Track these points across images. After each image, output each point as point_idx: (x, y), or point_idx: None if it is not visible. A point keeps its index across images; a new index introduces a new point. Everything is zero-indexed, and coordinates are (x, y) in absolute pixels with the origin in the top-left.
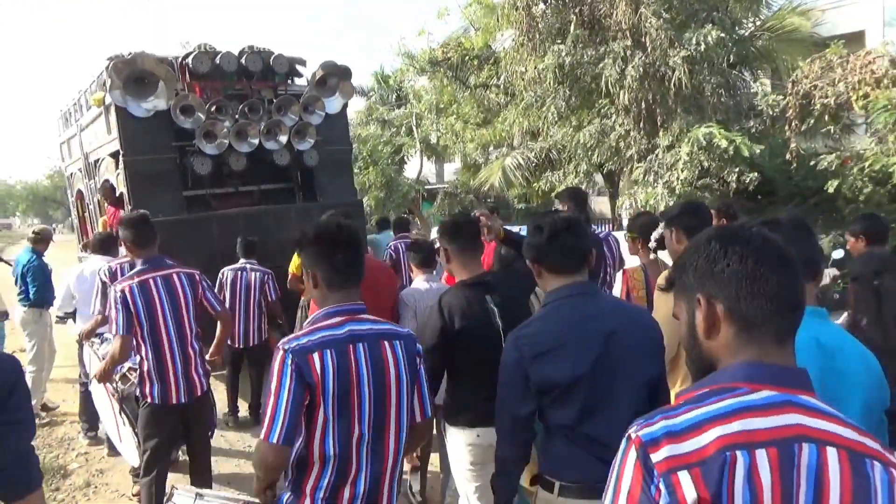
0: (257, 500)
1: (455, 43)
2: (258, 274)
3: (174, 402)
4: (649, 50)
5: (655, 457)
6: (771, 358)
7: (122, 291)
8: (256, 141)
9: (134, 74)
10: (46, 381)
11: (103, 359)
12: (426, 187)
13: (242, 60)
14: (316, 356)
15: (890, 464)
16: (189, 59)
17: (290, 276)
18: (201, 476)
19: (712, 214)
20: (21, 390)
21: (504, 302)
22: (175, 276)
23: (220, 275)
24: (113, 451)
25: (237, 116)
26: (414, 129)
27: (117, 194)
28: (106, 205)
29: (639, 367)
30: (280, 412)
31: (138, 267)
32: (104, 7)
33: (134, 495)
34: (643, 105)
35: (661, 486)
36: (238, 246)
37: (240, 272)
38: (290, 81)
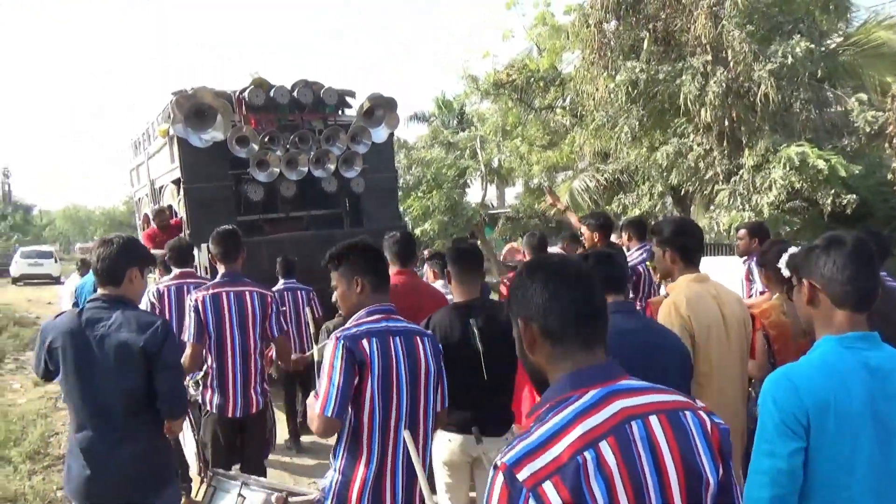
0: (301, 489)
1: (520, 64)
2: (302, 293)
3: (230, 415)
4: (731, 64)
5: (521, 475)
6: (585, 363)
7: (196, 301)
8: (306, 169)
9: (194, 108)
10: None
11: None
12: (489, 212)
13: (294, 93)
14: (364, 341)
15: (696, 409)
16: (245, 93)
17: None
18: None
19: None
20: (171, 343)
21: (488, 325)
22: (247, 294)
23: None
24: None
25: (288, 146)
26: (478, 151)
27: (175, 219)
28: (152, 224)
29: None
30: (334, 389)
31: (216, 280)
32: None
33: None
34: (725, 123)
35: (530, 500)
36: (278, 266)
37: (285, 293)
38: (339, 112)
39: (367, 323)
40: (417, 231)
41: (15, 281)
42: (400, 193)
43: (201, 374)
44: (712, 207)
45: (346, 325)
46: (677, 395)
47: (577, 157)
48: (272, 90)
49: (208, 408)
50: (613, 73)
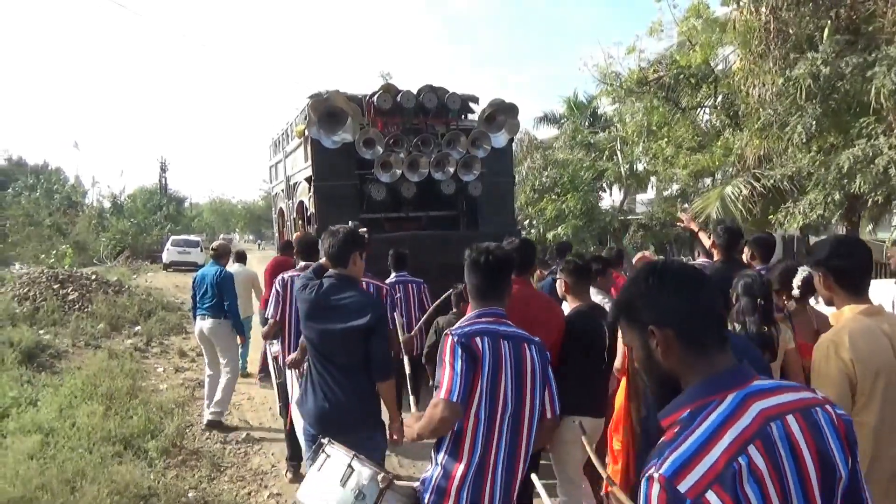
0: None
1: (668, 60)
2: (413, 285)
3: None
4: None
5: (682, 487)
6: (720, 365)
7: (282, 279)
8: (426, 171)
9: (327, 111)
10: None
11: (275, 357)
12: (620, 218)
13: (420, 98)
14: (477, 339)
15: (823, 403)
16: (374, 98)
17: None
18: None
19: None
20: (384, 320)
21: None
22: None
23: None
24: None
25: (411, 149)
26: (618, 153)
27: (308, 214)
28: (300, 223)
29: None
30: (457, 376)
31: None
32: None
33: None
34: None
35: None
36: (390, 259)
37: (398, 285)
38: (462, 117)
39: (478, 323)
40: (550, 235)
41: (166, 267)
42: (535, 195)
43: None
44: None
45: (458, 324)
46: (805, 392)
47: (735, 160)
48: (399, 95)
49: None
50: (784, 67)
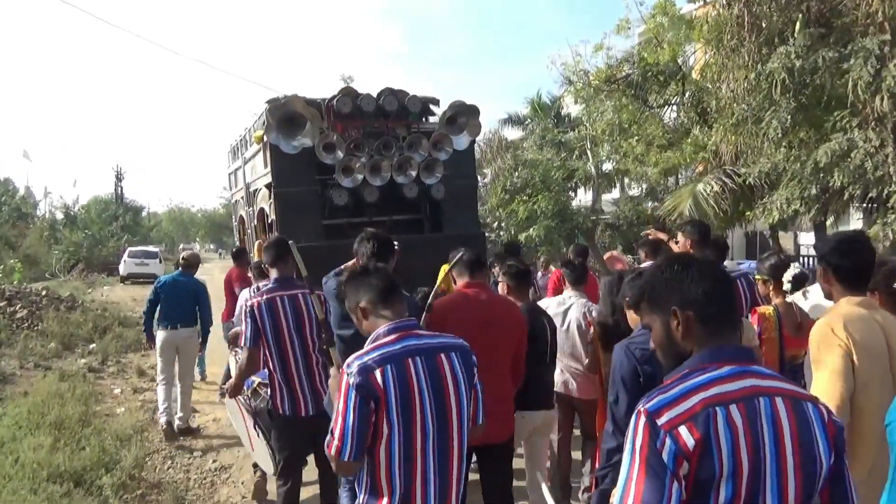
0: None
1: (637, 58)
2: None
3: (302, 413)
4: None
5: (660, 420)
6: (729, 342)
7: (251, 307)
8: (388, 175)
9: (286, 115)
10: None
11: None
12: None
13: (380, 101)
14: (378, 373)
15: (819, 403)
16: (334, 101)
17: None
18: (330, 488)
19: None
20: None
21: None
22: (300, 297)
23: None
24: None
25: (372, 153)
26: (588, 152)
27: (269, 221)
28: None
29: None
30: (349, 430)
31: (269, 285)
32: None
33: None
34: None
35: (667, 440)
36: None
37: None
38: (423, 120)
39: (383, 346)
40: (522, 237)
41: (123, 280)
42: (506, 196)
43: (256, 383)
44: (880, 213)
45: (360, 352)
46: (804, 392)
47: (710, 156)
48: (359, 98)
49: (280, 411)
50: (758, 61)
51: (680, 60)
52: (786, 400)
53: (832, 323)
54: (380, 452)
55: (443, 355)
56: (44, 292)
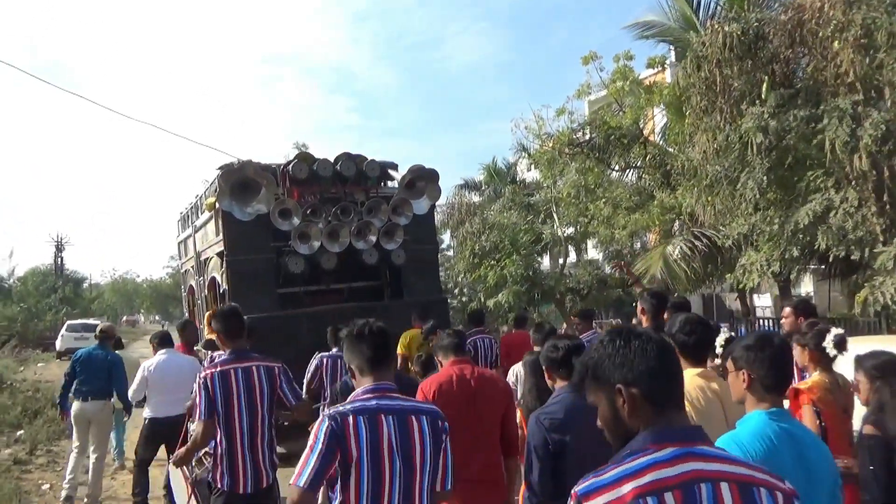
0: None
1: (599, 121)
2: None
3: (240, 490)
4: (889, 104)
5: None
6: (675, 422)
7: (205, 378)
8: (347, 241)
9: (240, 181)
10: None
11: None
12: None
13: (338, 166)
14: (351, 418)
15: (775, 488)
16: (290, 167)
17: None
18: None
19: (790, 313)
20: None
21: None
22: (254, 369)
23: (317, 360)
24: None
25: (330, 218)
26: (554, 215)
27: (221, 291)
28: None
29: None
30: (311, 461)
31: (224, 357)
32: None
33: None
34: (886, 173)
35: None
36: (329, 335)
37: (340, 359)
38: (382, 184)
39: (358, 401)
40: (490, 303)
41: (60, 355)
42: (475, 259)
43: (202, 452)
44: (870, 274)
45: (338, 405)
46: (758, 472)
47: (686, 218)
48: (315, 164)
49: (218, 485)
50: (731, 120)
51: (640, 123)
52: (732, 485)
53: None
54: (350, 498)
55: (413, 417)
56: None
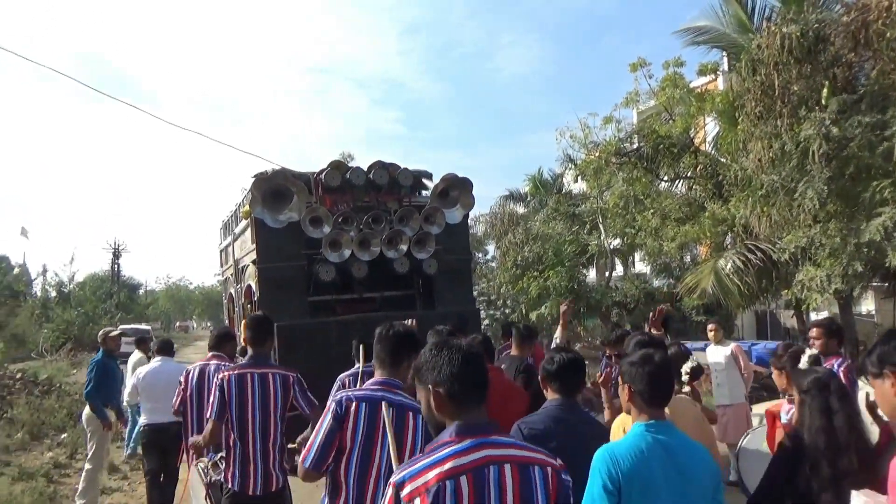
0: None
1: (648, 130)
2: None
3: (250, 492)
4: None
5: (403, 492)
6: (473, 418)
7: (222, 380)
8: (378, 250)
9: (272, 189)
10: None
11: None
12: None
13: (370, 175)
14: (353, 405)
15: (547, 464)
16: (322, 175)
17: None
18: None
19: (820, 334)
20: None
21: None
22: (270, 376)
23: (338, 382)
24: None
25: (362, 227)
26: (600, 226)
27: (254, 299)
28: (249, 308)
29: None
30: (316, 444)
31: (243, 361)
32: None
33: None
34: None
35: None
36: (354, 350)
37: (366, 376)
38: (415, 193)
39: (367, 390)
40: (533, 315)
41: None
42: (517, 271)
43: (218, 456)
44: None
45: (348, 390)
46: (536, 453)
47: (739, 229)
48: (348, 172)
49: (229, 485)
50: (790, 126)
51: (691, 132)
52: (513, 466)
53: (622, 420)
54: (341, 472)
55: (410, 413)
56: (18, 375)
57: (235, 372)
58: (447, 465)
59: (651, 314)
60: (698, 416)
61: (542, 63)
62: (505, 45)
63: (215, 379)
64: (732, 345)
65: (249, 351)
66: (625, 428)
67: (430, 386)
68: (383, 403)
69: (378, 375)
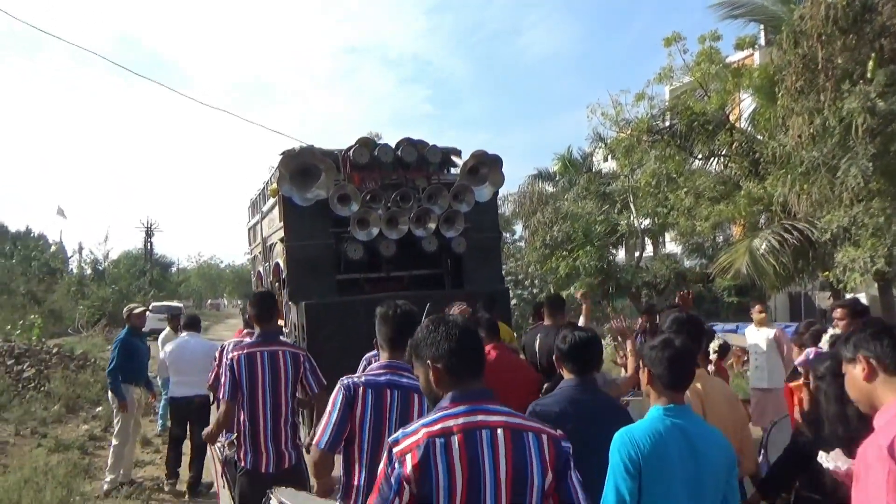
0: None
1: (682, 107)
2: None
3: (262, 469)
4: None
5: (396, 449)
6: (469, 386)
7: (231, 360)
8: (406, 228)
9: (300, 167)
10: (132, 456)
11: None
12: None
13: (399, 152)
14: (361, 389)
15: (541, 432)
16: (350, 152)
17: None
18: None
19: (844, 314)
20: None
21: None
22: (280, 354)
23: (364, 361)
24: None
25: (390, 205)
26: (631, 205)
27: (282, 277)
28: (277, 286)
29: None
30: (330, 426)
31: (252, 339)
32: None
33: None
34: None
35: (396, 465)
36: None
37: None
38: (444, 171)
39: (371, 375)
40: (563, 295)
41: (146, 335)
42: (546, 250)
43: (234, 435)
44: None
45: (353, 375)
46: (530, 422)
47: (777, 208)
48: (376, 149)
49: (242, 464)
50: (833, 100)
51: (727, 109)
52: (506, 431)
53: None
54: (354, 449)
55: (415, 394)
56: (55, 350)
57: (245, 351)
58: (437, 426)
59: (675, 299)
60: (731, 396)
61: (570, 41)
62: (533, 24)
63: (225, 359)
64: (776, 329)
65: (256, 329)
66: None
67: (428, 362)
68: (387, 390)
69: (383, 358)
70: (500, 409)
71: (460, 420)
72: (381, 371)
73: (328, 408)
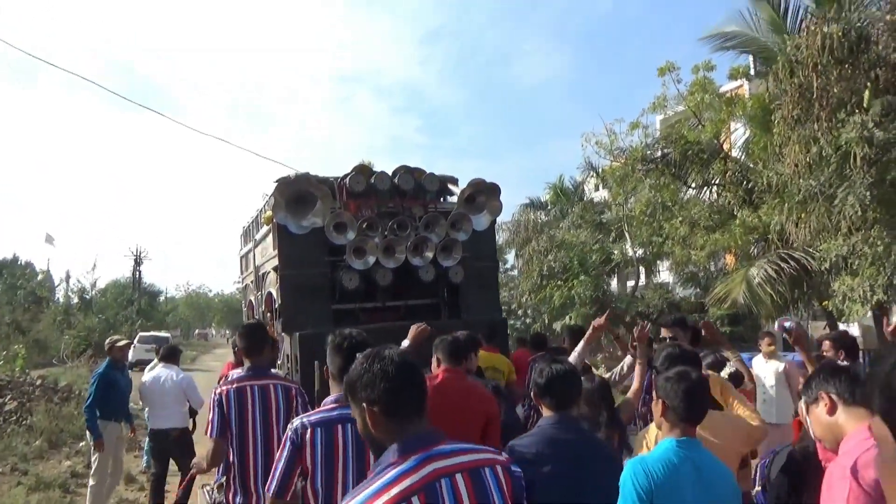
0: None
1: (676, 136)
2: None
3: None
4: None
5: None
6: (416, 431)
7: (219, 395)
8: (403, 257)
9: (296, 194)
10: (108, 497)
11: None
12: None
13: (395, 179)
14: (309, 431)
15: (496, 463)
16: (347, 179)
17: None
18: None
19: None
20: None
21: None
22: (272, 387)
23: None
24: None
25: (386, 233)
26: (626, 234)
27: (275, 306)
28: (269, 316)
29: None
30: (277, 472)
31: (241, 373)
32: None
33: None
34: None
35: None
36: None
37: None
38: (441, 199)
39: (322, 412)
40: (557, 325)
41: (131, 366)
42: (541, 280)
43: (224, 478)
44: None
45: (305, 414)
46: (483, 454)
47: (774, 237)
48: (373, 176)
49: None
50: (829, 129)
51: (720, 138)
52: (464, 474)
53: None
54: (307, 491)
55: None
56: (38, 382)
57: (234, 386)
58: (394, 490)
59: (635, 330)
60: (737, 427)
61: (562, 70)
62: (526, 53)
63: (212, 395)
64: (785, 362)
65: (246, 362)
66: (647, 444)
67: (363, 405)
68: (338, 426)
69: (334, 391)
70: (452, 449)
71: (417, 475)
72: (334, 406)
73: (278, 453)
